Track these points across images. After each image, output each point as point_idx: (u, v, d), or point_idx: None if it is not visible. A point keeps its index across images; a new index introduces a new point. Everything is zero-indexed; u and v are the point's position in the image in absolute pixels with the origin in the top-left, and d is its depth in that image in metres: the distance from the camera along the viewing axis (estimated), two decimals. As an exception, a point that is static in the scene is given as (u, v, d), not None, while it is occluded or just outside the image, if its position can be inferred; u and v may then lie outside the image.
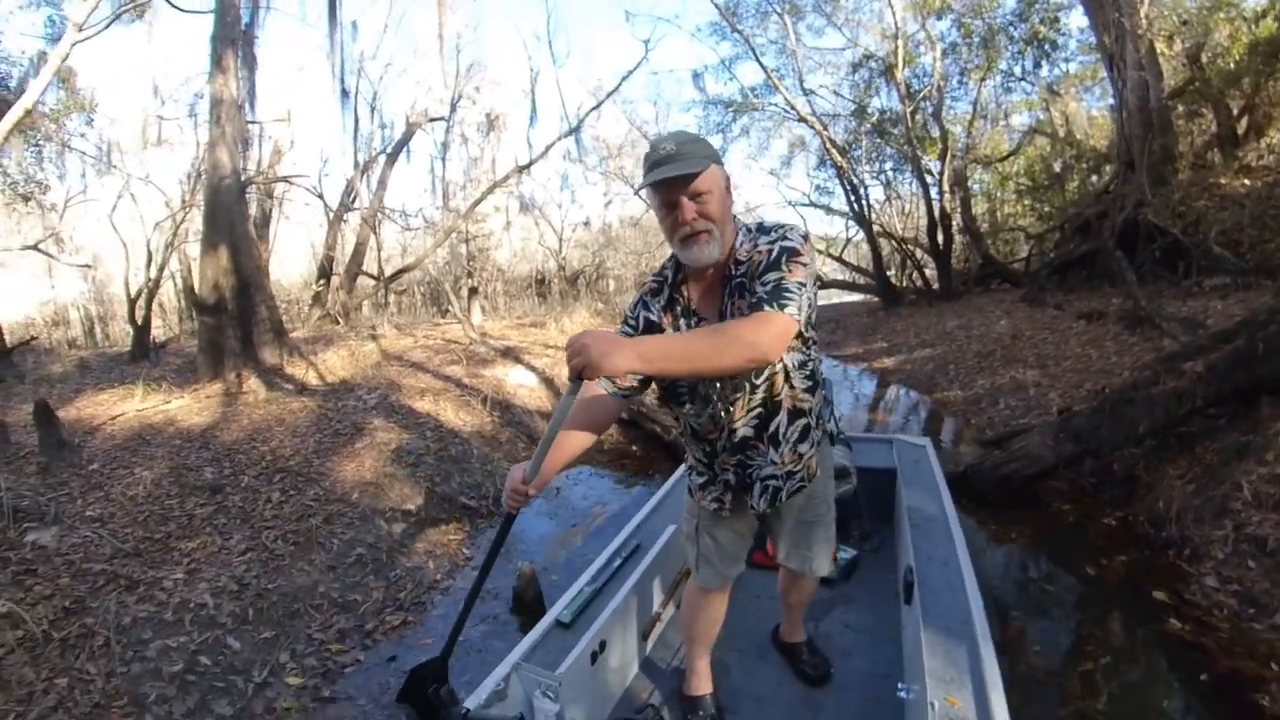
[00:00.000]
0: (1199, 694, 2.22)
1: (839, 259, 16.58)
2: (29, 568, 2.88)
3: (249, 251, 7.13)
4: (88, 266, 13.70)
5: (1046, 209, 12.03)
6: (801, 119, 12.69)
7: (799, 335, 1.31)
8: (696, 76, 15.61)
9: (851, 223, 14.21)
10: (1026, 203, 12.97)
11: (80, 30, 4.29)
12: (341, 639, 2.82)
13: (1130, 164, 8.45)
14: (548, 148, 14.69)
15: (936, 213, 11.84)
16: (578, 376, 1.03)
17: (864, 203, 13.02)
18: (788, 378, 1.36)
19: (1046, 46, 11.25)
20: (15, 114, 4.13)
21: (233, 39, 7.00)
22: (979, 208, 15.42)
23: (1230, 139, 8.75)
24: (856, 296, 15.47)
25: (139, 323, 9.05)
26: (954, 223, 12.34)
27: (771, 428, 1.40)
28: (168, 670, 2.42)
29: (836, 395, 7.36)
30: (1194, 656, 2.35)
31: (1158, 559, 3.03)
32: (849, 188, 12.80)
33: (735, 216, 1.34)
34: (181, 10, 5.69)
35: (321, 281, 11.07)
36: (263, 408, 5.62)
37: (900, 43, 11.30)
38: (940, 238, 12.02)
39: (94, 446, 4.57)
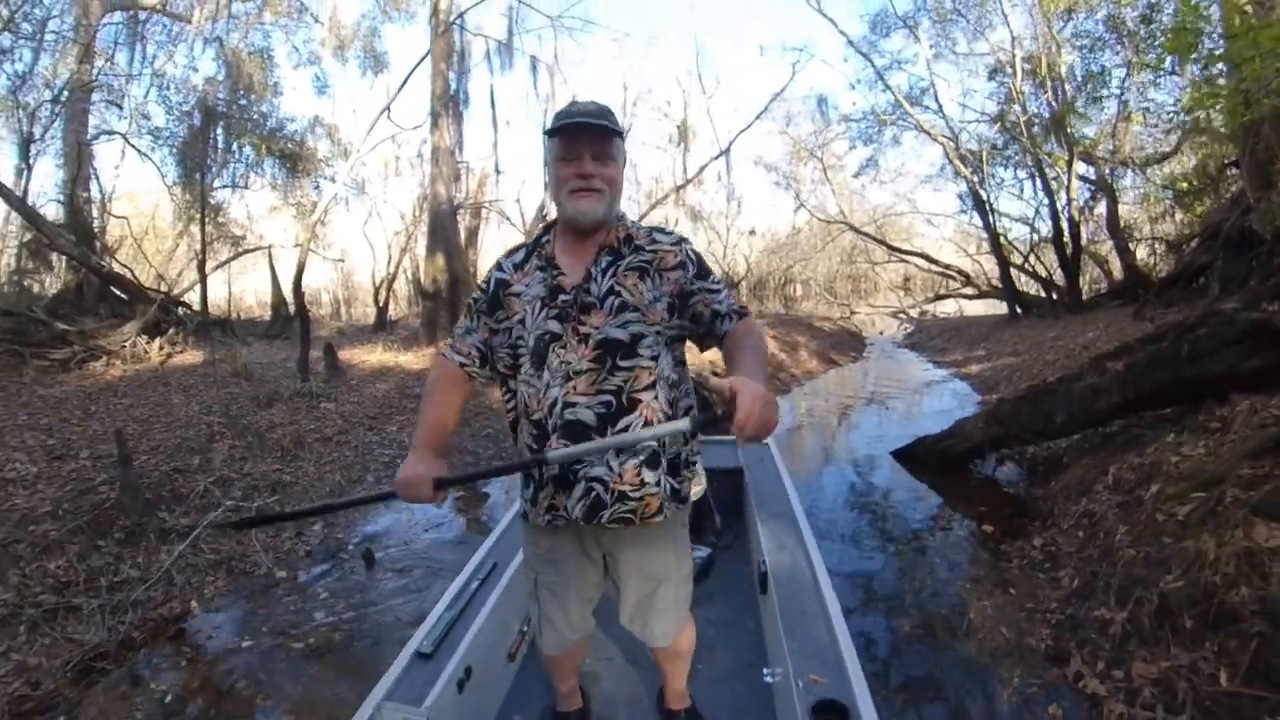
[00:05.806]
0: (948, 584, 3.02)
1: (1021, 268, 15.35)
2: (321, 417, 5.53)
3: (458, 257, 10.14)
4: (339, 260, 18.65)
5: (1199, 215, 11.21)
6: (925, 132, 13.13)
7: (673, 355, 1.28)
8: (821, 102, 16.77)
9: (1031, 228, 13.98)
10: (1194, 209, 11.99)
11: (357, 152, 7.21)
12: (474, 459, 5.21)
13: (1235, 164, 8.16)
14: (701, 168, 16.77)
15: (1065, 223, 11.63)
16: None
17: (992, 214, 12.97)
18: (653, 385, 1.23)
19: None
20: (320, 211, 7.10)
21: (445, 104, 9.96)
22: (1145, 214, 14.36)
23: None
24: (1001, 309, 14.95)
25: (380, 304, 12.71)
26: (1084, 233, 11.94)
27: (619, 425, 1.21)
28: (381, 459, 4.91)
29: (921, 391, 8.38)
30: (961, 566, 3.15)
31: (1021, 523, 3.52)
32: (975, 199, 12.93)
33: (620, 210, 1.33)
34: (403, 129, 8.79)
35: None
36: (450, 361, 8.34)
37: (1016, 50, 11.40)
38: (1069, 249, 11.72)
39: (352, 373, 7.48)
